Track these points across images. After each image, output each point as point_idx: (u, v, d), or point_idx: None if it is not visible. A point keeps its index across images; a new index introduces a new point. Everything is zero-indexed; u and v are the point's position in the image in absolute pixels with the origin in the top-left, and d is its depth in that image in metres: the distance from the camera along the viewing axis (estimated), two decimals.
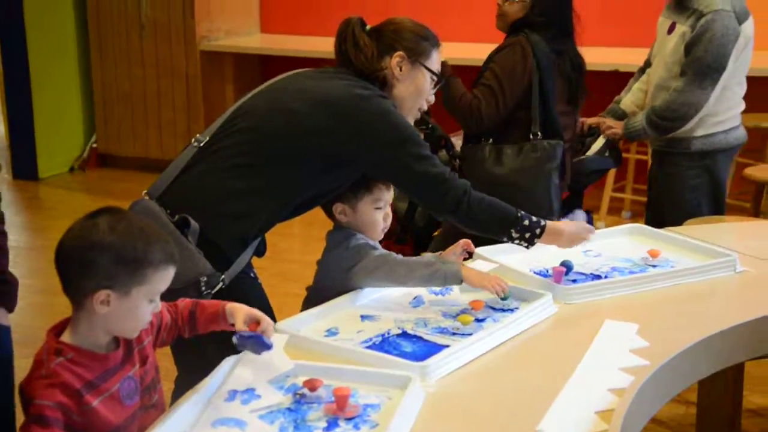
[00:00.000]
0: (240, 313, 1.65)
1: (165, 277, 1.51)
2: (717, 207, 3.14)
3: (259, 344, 1.62)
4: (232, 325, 1.65)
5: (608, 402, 1.60)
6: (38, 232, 4.52)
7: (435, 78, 2.14)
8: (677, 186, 3.12)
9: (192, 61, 5.75)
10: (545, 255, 2.26)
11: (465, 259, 2.25)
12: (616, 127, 3.17)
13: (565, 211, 3.12)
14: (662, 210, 3.16)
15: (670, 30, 3.05)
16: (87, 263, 1.44)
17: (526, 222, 2.07)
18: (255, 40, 6.03)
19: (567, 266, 2.17)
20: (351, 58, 2.08)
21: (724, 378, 2.43)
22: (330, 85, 2.04)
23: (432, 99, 2.20)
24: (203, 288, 1.90)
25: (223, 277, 1.96)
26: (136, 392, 1.54)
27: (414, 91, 2.12)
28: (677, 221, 2.86)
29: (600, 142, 3.20)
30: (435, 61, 2.15)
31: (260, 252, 2.14)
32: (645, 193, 4.67)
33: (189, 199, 1.97)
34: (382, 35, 2.11)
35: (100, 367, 1.48)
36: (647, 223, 3.00)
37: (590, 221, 3.32)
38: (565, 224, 2.16)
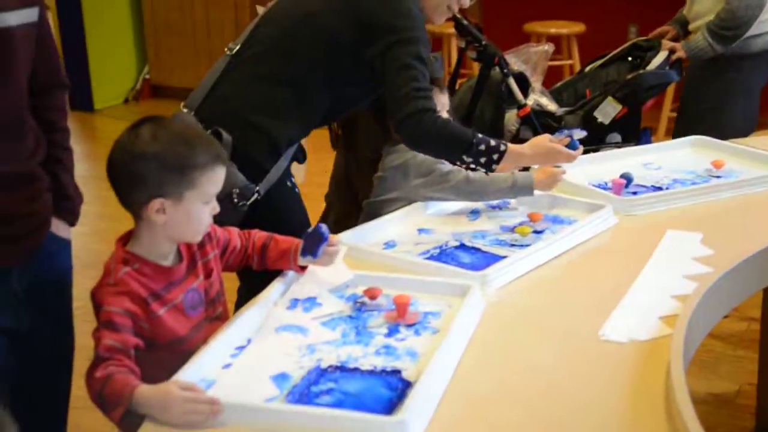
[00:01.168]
0: None
1: (214, 178, 1.50)
2: (749, 114, 3.06)
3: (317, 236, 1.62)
4: (301, 267, 1.66)
5: (672, 308, 1.58)
6: (96, 160, 4.58)
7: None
8: (709, 92, 3.05)
9: None
10: (604, 168, 2.22)
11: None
12: (678, 49, 3.07)
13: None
14: (691, 117, 3.08)
15: None
16: (135, 175, 1.45)
17: (482, 147, 1.90)
18: None
19: (627, 178, 2.13)
20: None
21: None
22: None
23: (466, 3, 2.04)
24: (236, 200, 1.89)
25: (257, 188, 1.94)
26: (201, 304, 1.56)
27: (432, 6, 2.00)
28: (708, 128, 2.79)
29: (661, 57, 3.11)
30: None
31: (299, 159, 2.13)
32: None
33: (222, 111, 1.96)
34: None
35: (164, 279, 1.51)
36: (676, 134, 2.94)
37: (648, 139, 3.24)
38: (529, 147, 1.99)
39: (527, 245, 1.84)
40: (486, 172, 1.95)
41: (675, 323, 1.50)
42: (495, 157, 1.91)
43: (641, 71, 3.10)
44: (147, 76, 6.10)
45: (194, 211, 1.49)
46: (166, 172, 1.45)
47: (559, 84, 3.39)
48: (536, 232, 1.92)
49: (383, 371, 1.41)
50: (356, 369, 1.41)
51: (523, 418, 1.31)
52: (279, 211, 2.00)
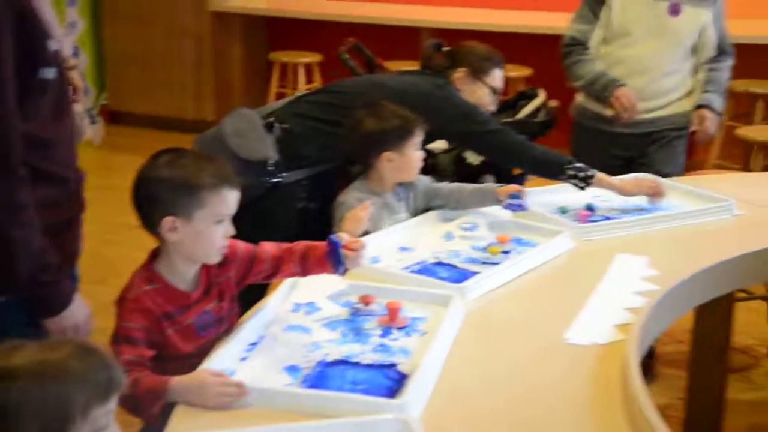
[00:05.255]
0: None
1: (224, 199, 1.62)
2: None
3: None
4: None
5: (625, 318, 1.83)
6: None
7: (494, 92, 2.64)
8: None
9: (201, 21, 5.89)
10: (561, 198, 2.49)
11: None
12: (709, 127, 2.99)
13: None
14: None
15: (675, 11, 2.94)
16: (150, 196, 1.62)
17: (579, 164, 2.44)
18: (262, 1, 6.17)
19: (591, 208, 2.40)
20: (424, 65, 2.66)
21: (715, 314, 2.67)
22: (406, 80, 2.57)
23: (492, 108, 2.67)
24: (269, 167, 2.35)
25: (287, 175, 2.40)
26: (212, 325, 1.68)
27: (474, 101, 2.57)
28: None
29: (532, 106, 3.06)
30: (496, 78, 2.64)
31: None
32: None
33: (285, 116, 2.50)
34: (454, 54, 2.65)
35: (179, 302, 1.64)
36: None
37: (522, 183, 3.17)
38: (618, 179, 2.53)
39: (497, 263, 2.07)
40: (584, 187, 2.46)
41: (629, 330, 1.75)
42: (590, 173, 2.46)
43: (510, 119, 3.04)
44: (104, 102, 6.21)
45: (205, 230, 1.62)
46: (176, 192, 1.60)
47: None
48: (504, 252, 2.16)
49: (381, 365, 1.61)
50: (358, 363, 1.62)
51: (502, 405, 1.52)
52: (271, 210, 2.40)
